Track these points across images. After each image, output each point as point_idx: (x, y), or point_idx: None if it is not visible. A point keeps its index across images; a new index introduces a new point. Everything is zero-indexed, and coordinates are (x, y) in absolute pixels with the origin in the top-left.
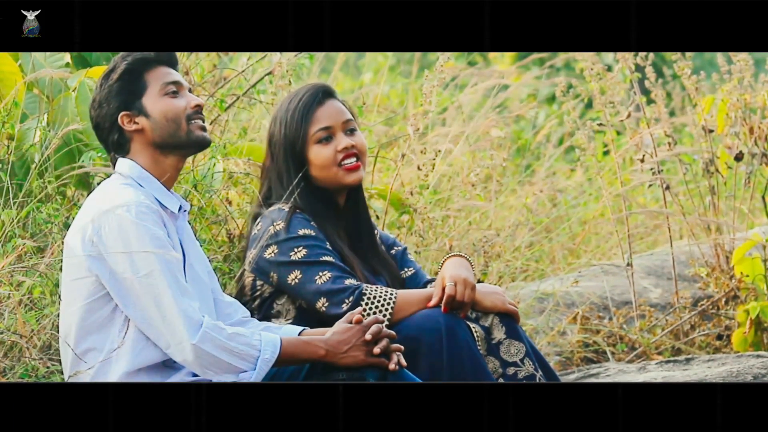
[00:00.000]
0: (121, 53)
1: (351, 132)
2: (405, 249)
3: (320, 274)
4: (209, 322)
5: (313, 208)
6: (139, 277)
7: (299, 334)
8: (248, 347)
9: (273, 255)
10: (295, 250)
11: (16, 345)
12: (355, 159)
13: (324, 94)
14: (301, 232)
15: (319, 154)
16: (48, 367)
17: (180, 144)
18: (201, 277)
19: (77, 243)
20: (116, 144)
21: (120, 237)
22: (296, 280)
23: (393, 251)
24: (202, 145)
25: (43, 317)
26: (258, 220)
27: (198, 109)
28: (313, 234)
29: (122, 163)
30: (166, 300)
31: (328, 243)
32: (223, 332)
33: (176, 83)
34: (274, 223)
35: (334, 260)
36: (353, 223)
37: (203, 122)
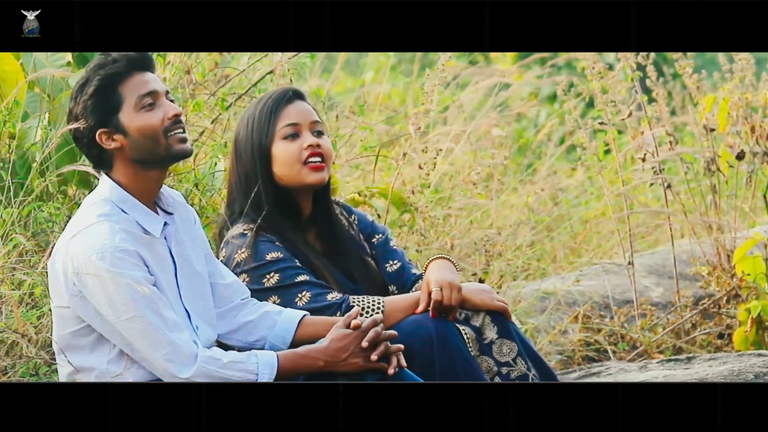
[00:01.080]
0: (93, 62)
1: (318, 134)
2: (387, 237)
3: (299, 296)
4: (203, 355)
5: (279, 225)
6: (122, 320)
7: (300, 321)
8: (245, 373)
9: (246, 283)
10: (267, 276)
11: (17, 343)
12: (319, 159)
13: (294, 94)
14: (268, 257)
15: (284, 150)
16: (49, 366)
17: (159, 160)
18: (198, 271)
19: (59, 273)
20: (98, 159)
21: (99, 286)
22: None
23: (374, 240)
24: (183, 156)
25: (43, 316)
26: (222, 245)
27: (175, 119)
28: (282, 256)
29: (104, 182)
30: (153, 340)
31: (297, 261)
32: (218, 363)
33: (151, 93)
34: (239, 251)
35: (309, 278)
36: (326, 232)
37: (183, 132)
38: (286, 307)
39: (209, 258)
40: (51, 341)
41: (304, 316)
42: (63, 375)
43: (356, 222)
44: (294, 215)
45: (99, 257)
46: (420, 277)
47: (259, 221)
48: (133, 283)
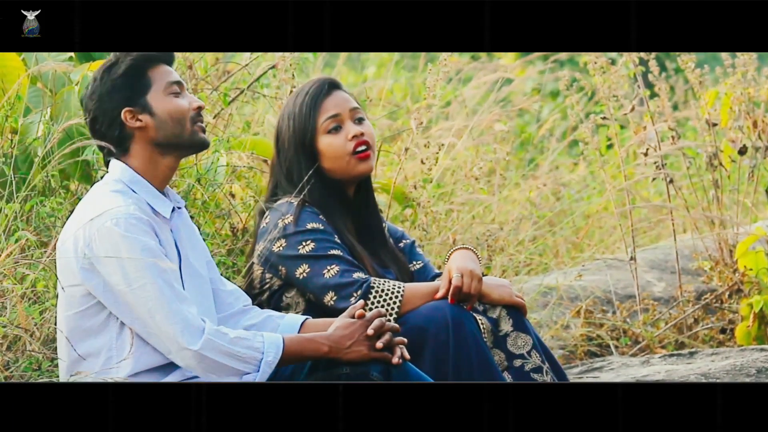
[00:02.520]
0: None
1: (359, 121)
2: (413, 242)
3: (328, 268)
4: (211, 328)
5: (323, 202)
6: (133, 289)
7: (302, 324)
8: (251, 350)
9: (281, 249)
10: (304, 243)
11: (19, 338)
12: (365, 147)
13: (330, 85)
14: (309, 225)
15: (330, 145)
16: (51, 361)
17: (181, 144)
18: (199, 272)
19: (69, 252)
20: (116, 140)
21: (111, 251)
22: (304, 274)
23: (401, 244)
24: (202, 147)
25: (46, 310)
26: (266, 213)
27: (199, 111)
28: (322, 228)
29: (114, 165)
30: (163, 309)
31: (336, 236)
32: (226, 337)
33: (178, 83)
34: (283, 217)
35: (342, 254)
36: (363, 217)
37: (203, 124)
38: (313, 277)
39: (210, 265)
40: (54, 336)
41: (306, 319)
42: (63, 369)
43: (386, 227)
44: (340, 203)
45: (114, 222)
46: (439, 275)
47: (306, 196)
48: (147, 248)
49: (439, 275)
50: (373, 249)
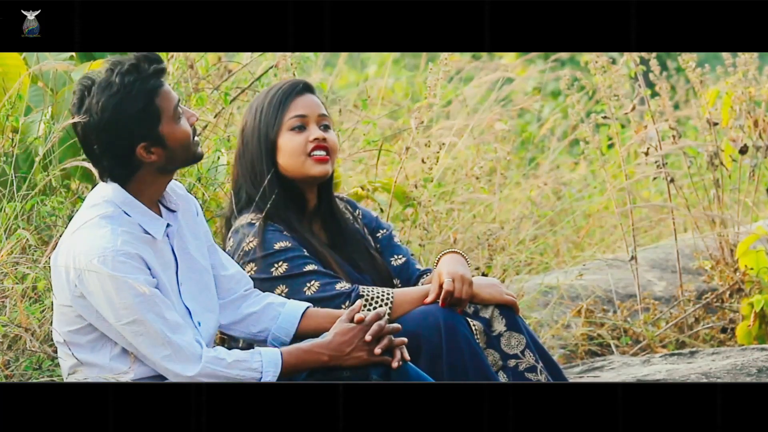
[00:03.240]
0: (120, 70)
1: (325, 128)
2: (391, 232)
3: (308, 285)
4: (208, 355)
5: (286, 214)
6: (123, 324)
7: (303, 313)
8: (249, 371)
9: (253, 272)
10: (275, 265)
11: (20, 337)
12: (324, 152)
13: (304, 87)
14: (277, 246)
15: (290, 141)
16: (52, 360)
17: (186, 164)
18: (201, 264)
19: (61, 275)
20: (122, 174)
21: (101, 289)
22: (283, 294)
23: (378, 235)
24: (200, 160)
25: (46, 309)
26: (229, 234)
27: (193, 124)
28: (290, 245)
29: (107, 186)
30: (155, 343)
31: (305, 251)
32: (223, 362)
33: (179, 103)
34: (247, 240)
35: (317, 267)
36: (330, 224)
37: (198, 137)
38: (294, 296)
39: (212, 250)
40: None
41: (308, 307)
42: (65, 368)
43: (360, 216)
44: (299, 206)
45: (100, 261)
46: (424, 272)
47: (266, 209)
48: (135, 286)
49: (423, 272)
50: (346, 254)
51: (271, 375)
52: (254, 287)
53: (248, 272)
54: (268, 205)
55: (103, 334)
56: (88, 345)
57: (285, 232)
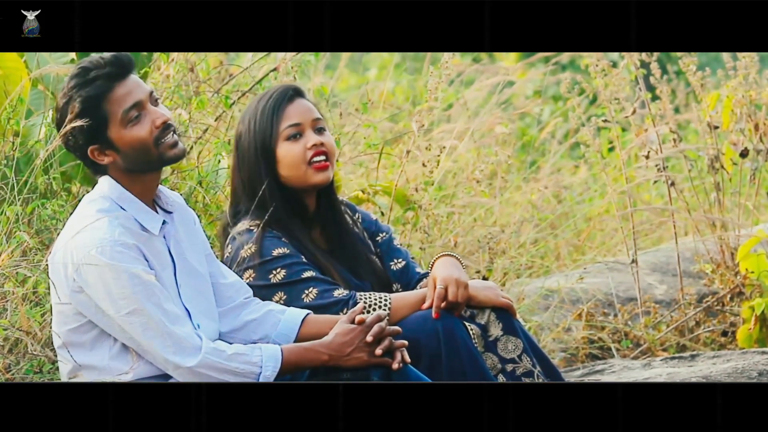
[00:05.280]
0: (71, 77)
1: (320, 131)
2: (391, 236)
3: (306, 292)
4: (208, 345)
5: (284, 221)
6: (122, 315)
7: (304, 319)
8: (249, 365)
9: (252, 279)
10: (274, 272)
11: (21, 341)
12: (324, 158)
13: (294, 92)
14: (275, 252)
15: (288, 152)
16: (53, 363)
17: (153, 167)
18: (198, 271)
19: (60, 272)
20: (93, 170)
21: (98, 279)
22: (281, 301)
23: (378, 239)
24: (177, 160)
25: (47, 313)
26: (227, 241)
27: (163, 126)
28: (288, 252)
29: (103, 180)
30: (154, 333)
31: (303, 257)
32: (223, 354)
33: (136, 105)
34: (245, 246)
35: (315, 274)
36: (331, 229)
37: (174, 135)
38: (292, 303)
39: (210, 259)
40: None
41: (308, 314)
42: (64, 372)
43: (360, 220)
44: (299, 213)
45: (99, 251)
46: (424, 275)
47: (266, 217)
48: (133, 275)
49: (423, 276)
50: (345, 261)
51: (270, 370)
52: (254, 294)
53: (246, 279)
54: (267, 215)
55: (103, 332)
56: (88, 344)
57: (283, 239)
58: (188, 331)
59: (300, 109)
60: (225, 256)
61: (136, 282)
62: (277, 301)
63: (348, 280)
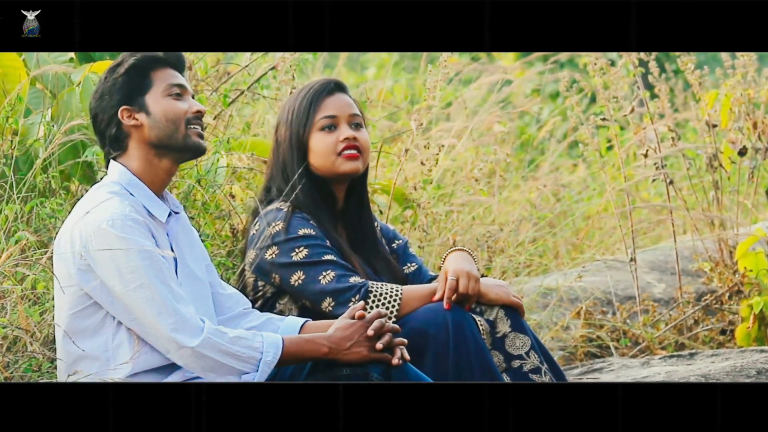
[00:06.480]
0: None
1: (356, 126)
2: (406, 243)
3: (324, 273)
4: (210, 327)
5: (313, 207)
6: (129, 290)
7: (302, 326)
8: (250, 350)
9: (274, 256)
10: (296, 250)
11: (20, 339)
12: (355, 150)
13: (336, 86)
14: (301, 232)
15: (320, 141)
16: (52, 362)
17: (175, 147)
18: (198, 276)
19: (66, 252)
20: (113, 138)
21: (108, 253)
22: (299, 281)
23: (394, 245)
24: (198, 151)
25: (46, 311)
26: (256, 220)
27: (198, 115)
28: (313, 233)
29: (113, 167)
30: (160, 309)
31: (328, 241)
32: (225, 336)
33: (181, 86)
34: (273, 224)
35: (336, 259)
36: (355, 224)
37: (202, 129)
38: (309, 284)
39: (210, 269)
40: (54, 338)
41: (306, 320)
42: (62, 372)
43: (379, 228)
44: (328, 205)
45: (110, 224)
46: (436, 278)
47: (296, 199)
48: (143, 250)
49: (434, 278)
50: (364, 256)
51: (271, 356)
52: (273, 273)
53: (269, 256)
54: (296, 199)
55: (105, 317)
56: (90, 330)
57: (311, 221)
58: (192, 312)
59: (338, 103)
60: (251, 234)
61: (145, 257)
62: (294, 281)
63: (366, 272)
